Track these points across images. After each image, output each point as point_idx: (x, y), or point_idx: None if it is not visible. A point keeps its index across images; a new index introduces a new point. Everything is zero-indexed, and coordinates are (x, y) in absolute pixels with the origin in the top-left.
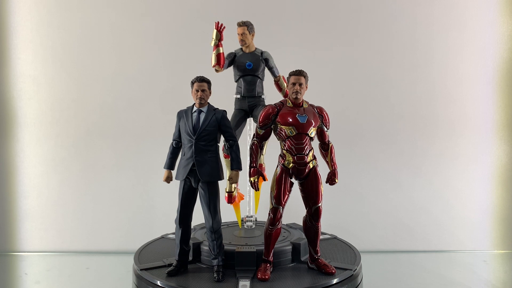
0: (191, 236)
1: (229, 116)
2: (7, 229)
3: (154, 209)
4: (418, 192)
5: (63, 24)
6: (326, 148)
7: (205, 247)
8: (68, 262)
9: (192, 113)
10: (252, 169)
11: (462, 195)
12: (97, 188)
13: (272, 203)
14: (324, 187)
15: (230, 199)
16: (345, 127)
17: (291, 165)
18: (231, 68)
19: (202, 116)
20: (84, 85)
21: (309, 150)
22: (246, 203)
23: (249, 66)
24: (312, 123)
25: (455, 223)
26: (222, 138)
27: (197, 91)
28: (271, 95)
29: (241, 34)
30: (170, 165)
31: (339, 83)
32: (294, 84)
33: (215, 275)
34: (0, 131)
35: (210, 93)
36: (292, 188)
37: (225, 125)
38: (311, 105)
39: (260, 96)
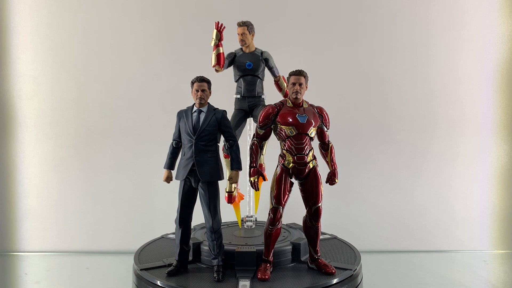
0: (191, 236)
1: (229, 116)
2: (7, 229)
3: (154, 209)
4: (418, 192)
5: (63, 24)
6: (326, 148)
7: (205, 247)
8: (68, 262)
9: (192, 113)
10: (252, 169)
11: (462, 195)
12: (97, 188)
13: (272, 203)
14: (324, 187)
15: (230, 199)
16: (345, 127)
17: (291, 165)
18: (231, 68)
19: (202, 116)
20: (84, 85)
21: (309, 150)
22: (246, 203)
23: (249, 66)
24: (312, 123)
25: (455, 223)
26: (222, 138)
27: (197, 91)
28: (271, 95)
29: (241, 34)
30: (170, 165)
31: (339, 83)
32: (294, 84)
33: (215, 275)
34: (0, 131)
35: (210, 93)
36: (292, 188)
37: (225, 125)
38: (311, 105)
39: (260, 96)
